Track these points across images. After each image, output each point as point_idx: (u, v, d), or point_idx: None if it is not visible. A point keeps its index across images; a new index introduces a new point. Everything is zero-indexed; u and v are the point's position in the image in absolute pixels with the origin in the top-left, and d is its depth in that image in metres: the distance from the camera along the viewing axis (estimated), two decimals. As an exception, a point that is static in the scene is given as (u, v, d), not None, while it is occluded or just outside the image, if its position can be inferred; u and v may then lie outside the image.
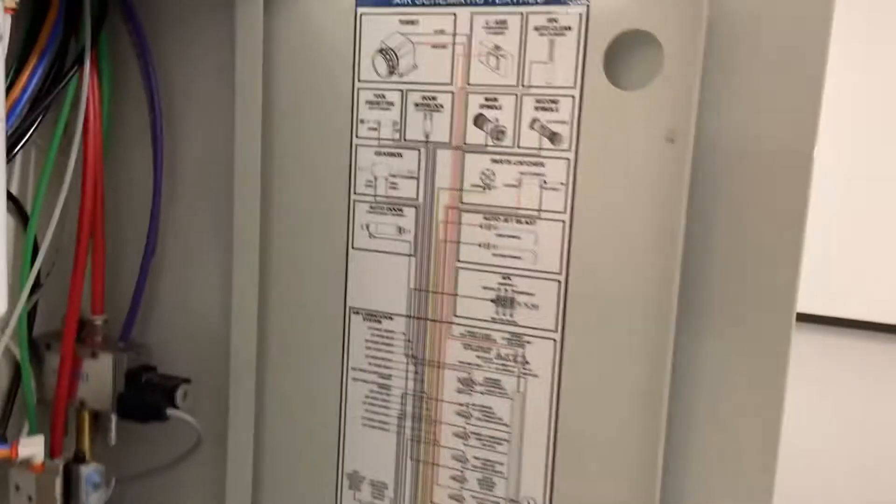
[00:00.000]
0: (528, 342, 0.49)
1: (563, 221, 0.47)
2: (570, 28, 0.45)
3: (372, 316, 0.53)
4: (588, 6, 0.45)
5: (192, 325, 0.60)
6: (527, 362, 0.49)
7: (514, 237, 0.48)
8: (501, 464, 0.50)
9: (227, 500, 0.57)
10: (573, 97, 0.46)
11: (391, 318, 0.53)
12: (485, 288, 0.50)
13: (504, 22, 0.47)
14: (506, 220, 0.49)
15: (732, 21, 0.42)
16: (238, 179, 0.54)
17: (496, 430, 0.50)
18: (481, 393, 0.51)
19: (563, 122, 0.46)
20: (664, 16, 0.43)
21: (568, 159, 0.46)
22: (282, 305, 0.57)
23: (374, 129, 0.51)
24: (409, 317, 0.52)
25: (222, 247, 0.56)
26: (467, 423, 0.51)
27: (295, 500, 0.58)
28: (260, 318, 0.56)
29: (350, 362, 0.55)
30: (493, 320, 0.50)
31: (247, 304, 0.56)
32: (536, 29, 0.46)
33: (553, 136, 0.46)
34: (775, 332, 0.44)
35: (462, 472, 0.52)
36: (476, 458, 0.51)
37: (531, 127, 0.47)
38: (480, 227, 0.49)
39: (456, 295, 0.51)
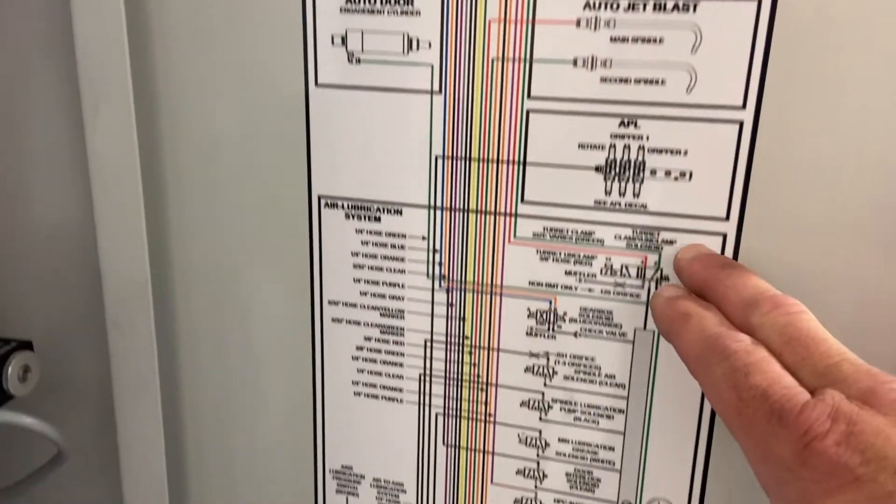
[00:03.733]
0: (669, 242, 0.27)
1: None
2: None
3: (361, 209, 0.30)
4: None
5: (32, 256, 0.35)
6: (664, 278, 0.27)
7: (647, 41, 0.25)
8: (610, 448, 0.29)
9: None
10: None
11: (399, 212, 0.29)
12: (583, 147, 0.26)
13: None
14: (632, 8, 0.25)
15: None
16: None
17: (601, 393, 0.29)
18: (573, 335, 0.29)
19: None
20: None
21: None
22: (192, 199, 0.32)
23: None
24: (432, 207, 0.29)
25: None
26: (546, 385, 0.30)
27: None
28: (154, 227, 0.31)
29: (326, 291, 0.31)
30: (600, 204, 0.27)
31: (126, 195, 0.30)
32: None
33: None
34: None
35: (537, 462, 0.31)
36: (564, 439, 0.30)
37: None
38: (577, 25, 0.25)
39: (524, 163, 0.27)
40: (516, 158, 0.27)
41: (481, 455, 0.31)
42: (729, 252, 0.26)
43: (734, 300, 0.22)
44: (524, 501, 0.31)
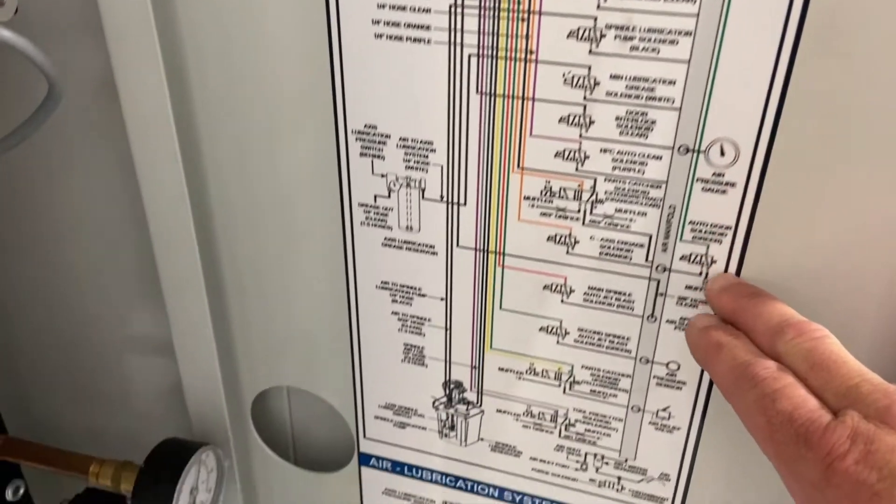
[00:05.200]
0: None
1: None
2: None
3: None
4: None
5: None
6: None
7: None
8: (671, 82, 0.25)
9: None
10: None
11: None
12: None
13: None
14: None
15: None
16: None
17: (666, 11, 0.24)
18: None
19: None
20: None
21: None
22: None
23: None
24: None
25: None
26: (600, 7, 0.25)
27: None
28: None
29: None
30: None
31: None
32: None
33: None
34: None
35: (584, 106, 0.27)
36: (616, 76, 0.26)
37: None
38: None
39: None
40: None
41: (520, 102, 0.28)
42: None
43: (761, 329, 0.24)
44: (566, 154, 0.28)
